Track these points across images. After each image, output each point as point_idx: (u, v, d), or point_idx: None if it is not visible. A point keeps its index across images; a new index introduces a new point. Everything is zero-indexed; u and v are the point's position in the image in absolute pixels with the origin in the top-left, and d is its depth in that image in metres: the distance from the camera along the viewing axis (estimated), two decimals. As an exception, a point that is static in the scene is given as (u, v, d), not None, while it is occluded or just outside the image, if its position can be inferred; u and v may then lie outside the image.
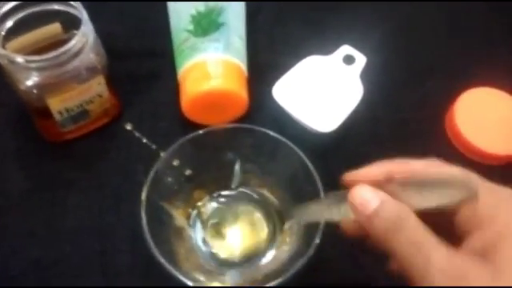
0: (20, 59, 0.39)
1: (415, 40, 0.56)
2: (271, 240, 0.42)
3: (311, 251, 0.36)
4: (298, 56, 0.49)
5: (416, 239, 0.27)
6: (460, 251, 0.28)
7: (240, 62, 0.47)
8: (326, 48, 0.50)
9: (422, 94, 0.52)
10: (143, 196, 0.38)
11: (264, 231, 0.42)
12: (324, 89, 0.48)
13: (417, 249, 0.27)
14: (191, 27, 0.46)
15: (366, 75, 0.49)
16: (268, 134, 0.41)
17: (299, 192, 0.40)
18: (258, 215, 0.43)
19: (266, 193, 0.44)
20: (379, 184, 0.30)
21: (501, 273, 0.26)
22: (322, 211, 0.36)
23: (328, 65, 0.49)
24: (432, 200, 0.29)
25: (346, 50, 0.50)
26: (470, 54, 0.55)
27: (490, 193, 0.29)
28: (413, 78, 0.53)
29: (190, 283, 0.35)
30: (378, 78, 0.51)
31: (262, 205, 0.43)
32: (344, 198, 0.31)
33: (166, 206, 0.41)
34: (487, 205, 0.28)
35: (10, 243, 0.42)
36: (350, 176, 0.32)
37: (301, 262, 0.35)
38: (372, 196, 0.29)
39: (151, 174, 0.39)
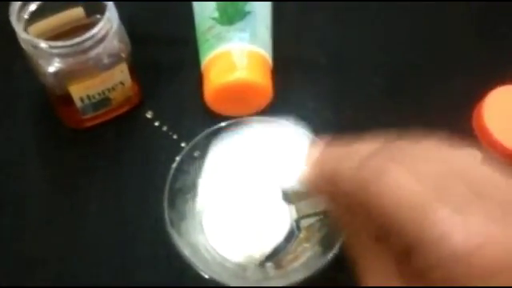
0: (43, 45, 0.38)
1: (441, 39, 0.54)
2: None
3: (335, 250, 0.35)
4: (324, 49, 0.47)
5: None
6: None
7: (266, 52, 0.46)
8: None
9: (448, 94, 0.50)
10: (166, 188, 0.38)
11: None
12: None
13: None
14: (216, 14, 0.45)
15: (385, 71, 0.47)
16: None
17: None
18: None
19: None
20: None
21: None
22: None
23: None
24: None
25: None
26: (499, 52, 0.53)
27: None
28: (440, 76, 0.51)
29: (206, 276, 0.35)
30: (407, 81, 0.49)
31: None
32: None
33: (189, 198, 0.40)
34: None
35: (31, 231, 0.42)
36: None
37: (322, 262, 0.35)
38: None
39: (173, 166, 0.39)
